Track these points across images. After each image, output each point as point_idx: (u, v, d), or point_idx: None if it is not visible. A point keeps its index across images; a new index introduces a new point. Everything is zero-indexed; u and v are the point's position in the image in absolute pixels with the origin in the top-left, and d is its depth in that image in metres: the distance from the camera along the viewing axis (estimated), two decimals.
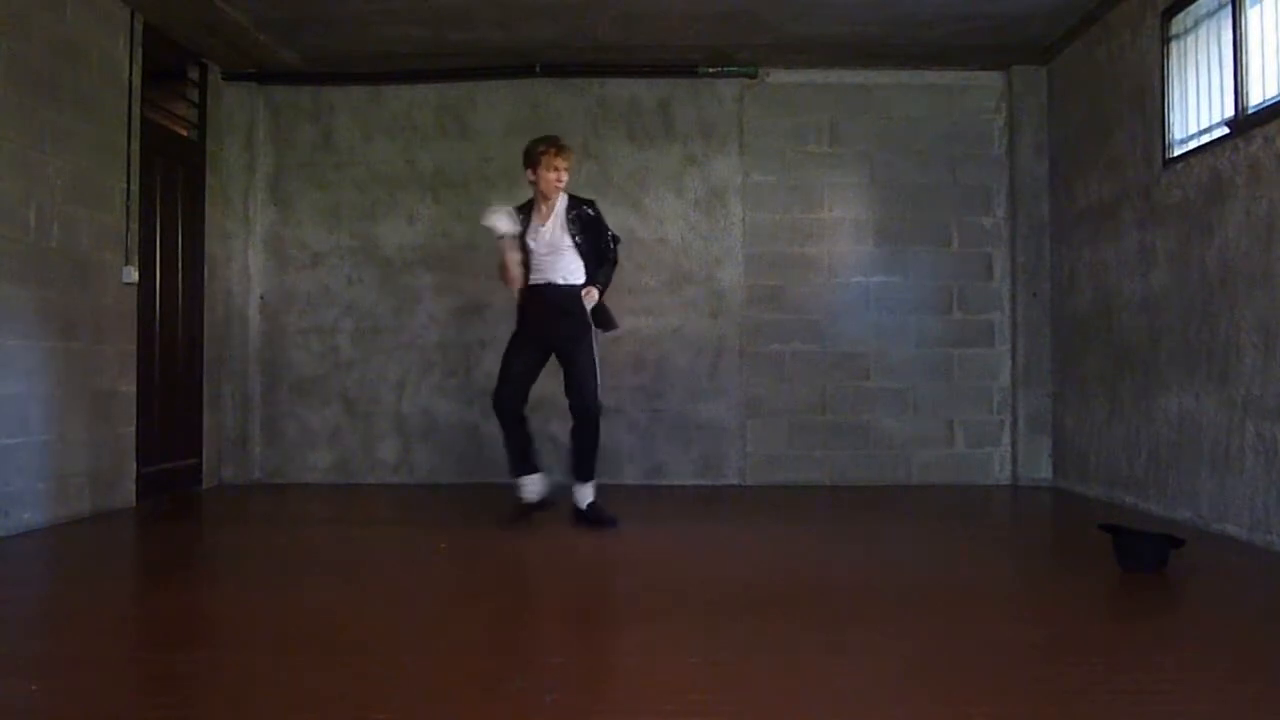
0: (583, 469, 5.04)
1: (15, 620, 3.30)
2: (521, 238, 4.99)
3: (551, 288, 4.97)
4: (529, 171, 5.02)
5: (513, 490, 5.10)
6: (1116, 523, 4.27)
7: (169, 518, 5.60)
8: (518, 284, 5.00)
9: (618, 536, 4.84)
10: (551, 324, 4.96)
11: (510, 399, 5.00)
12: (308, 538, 5.02)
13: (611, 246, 5.10)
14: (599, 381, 5.00)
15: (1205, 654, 2.83)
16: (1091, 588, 3.72)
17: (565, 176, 4.99)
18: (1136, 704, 2.38)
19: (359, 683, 2.55)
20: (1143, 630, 3.18)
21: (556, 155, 4.95)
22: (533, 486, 5.04)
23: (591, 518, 5.01)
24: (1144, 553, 3.88)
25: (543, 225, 4.99)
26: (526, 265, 5.00)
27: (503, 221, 4.92)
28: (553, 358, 5.06)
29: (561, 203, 5.03)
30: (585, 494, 5.06)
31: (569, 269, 4.98)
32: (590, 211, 5.06)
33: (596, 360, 4.99)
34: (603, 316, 5.01)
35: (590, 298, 4.96)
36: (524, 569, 4.29)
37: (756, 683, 2.55)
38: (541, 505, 5.06)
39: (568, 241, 4.97)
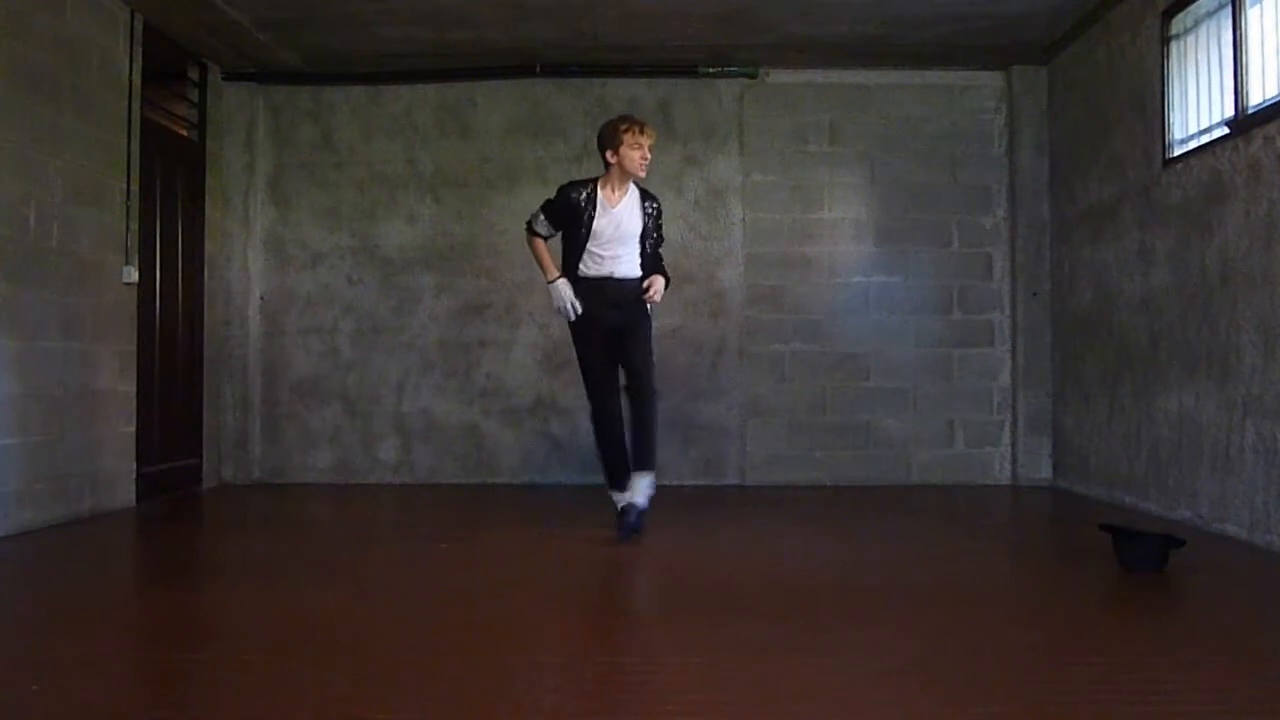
0: (642, 454, 4.66)
1: (15, 620, 3.30)
2: (583, 225, 4.69)
3: (612, 282, 4.72)
4: (608, 154, 4.69)
5: (610, 500, 4.87)
6: (1117, 523, 4.27)
7: (169, 518, 5.60)
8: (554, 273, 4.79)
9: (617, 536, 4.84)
10: (612, 313, 4.74)
11: (612, 402, 4.76)
12: (308, 538, 5.02)
13: (660, 248, 4.92)
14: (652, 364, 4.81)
15: (1205, 654, 2.82)
16: (1091, 588, 3.72)
17: (650, 155, 4.71)
18: (1136, 704, 2.38)
19: (359, 683, 2.55)
20: (1143, 630, 3.18)
21: (641, 132, 4.65)
22: (624, 495, 4.74)
23: (620, 517, 4.65)
24: (1144, 553, 3.88)
25: (614, 208, 4.71)
26: (579, 254, 4.73)
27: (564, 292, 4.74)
28: None
29: (633, 190, 4.79)
30: (639, 487, 4.66)
31: (629, 261, 4.74)
32: (659, 206, 4.87)
33: (652, 345, 4.82)
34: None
35: (656, 294, 4.72)
36: (524, 569, 4.28)
37: (757, 683, 2.55)
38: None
39: (637, 228, 4.73)
